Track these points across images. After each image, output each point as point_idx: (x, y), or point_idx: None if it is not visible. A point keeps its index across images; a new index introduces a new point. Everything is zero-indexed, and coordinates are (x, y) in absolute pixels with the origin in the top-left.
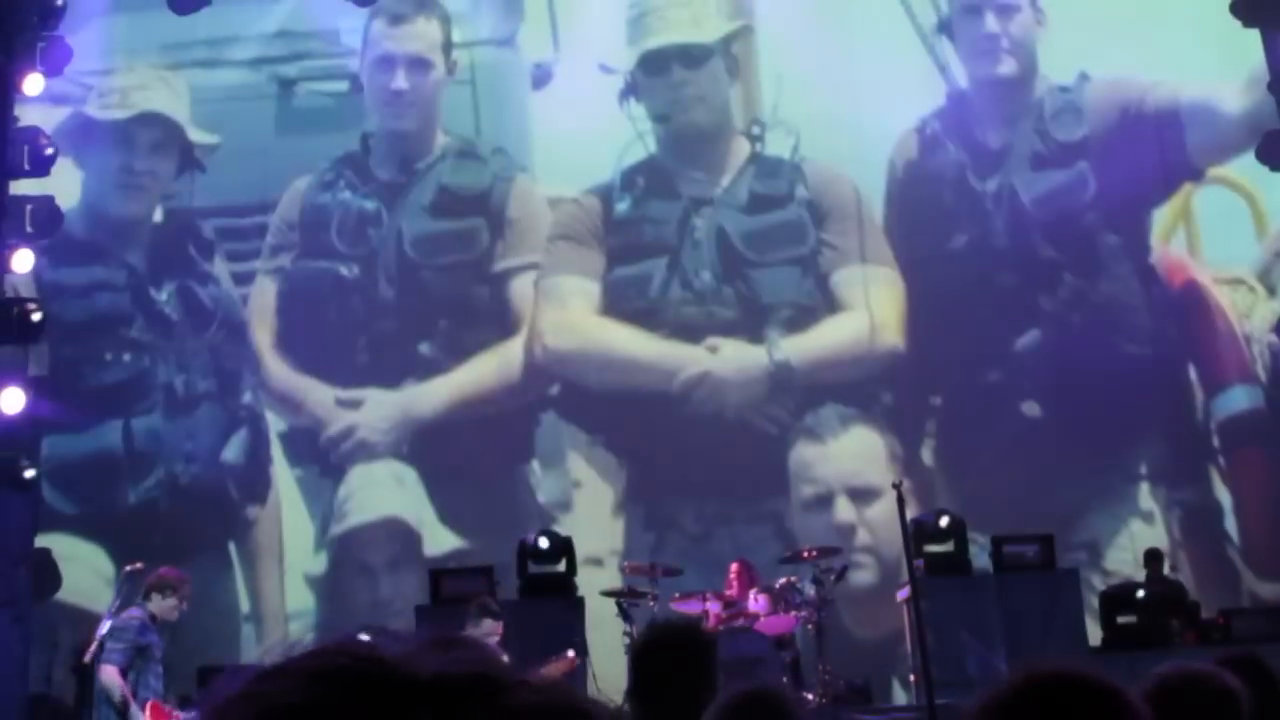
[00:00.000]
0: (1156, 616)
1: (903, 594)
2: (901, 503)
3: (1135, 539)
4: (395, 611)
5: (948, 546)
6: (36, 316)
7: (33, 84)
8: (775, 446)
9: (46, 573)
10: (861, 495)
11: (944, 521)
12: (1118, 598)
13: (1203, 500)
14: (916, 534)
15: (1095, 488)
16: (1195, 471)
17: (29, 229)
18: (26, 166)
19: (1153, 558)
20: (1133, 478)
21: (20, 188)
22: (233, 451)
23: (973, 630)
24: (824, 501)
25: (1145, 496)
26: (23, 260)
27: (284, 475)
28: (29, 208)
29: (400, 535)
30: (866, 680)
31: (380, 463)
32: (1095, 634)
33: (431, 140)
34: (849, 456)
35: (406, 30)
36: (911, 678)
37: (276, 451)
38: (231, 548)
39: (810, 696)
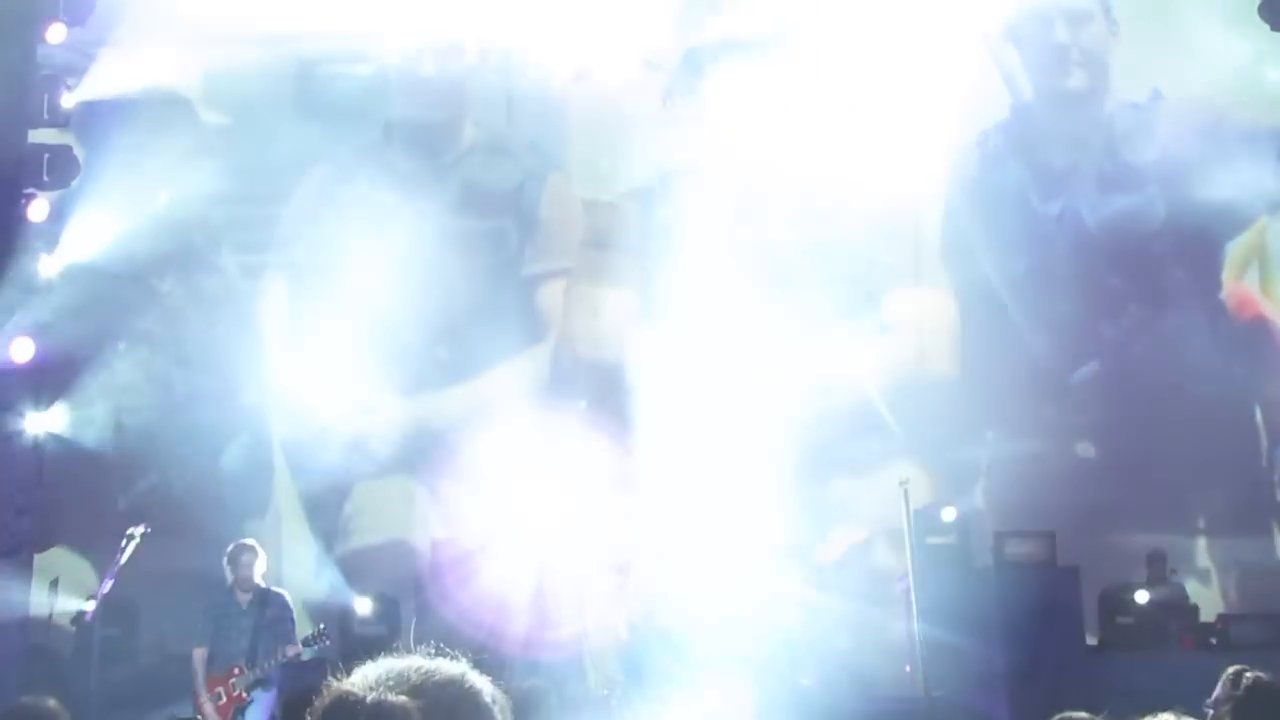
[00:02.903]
0: (1155, 619)
1: (901, 584)
2: (907, 498)
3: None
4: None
5: (949, 539)
6: (50, 267)
7: (56, 33)
8: (814, 479)
9: (49, 523)
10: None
11: (947, 515)
12: (1117, 598)
13: (1263, 560)
14: (919, 526)
15: (1150, 542)
16: (1256, 527)
17: (46, 178)
18: (46, 116)
19: (1155, 560)
20: (1190, 531)
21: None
22: (232, 458)
23: (971, 623)
24: (864, 541)
25: (1202, 553)
26: (39, 209)
27: (285, 487)
28: (46, 157)
29: (408, 559)
30: (861, 670)
31: (390, 478)
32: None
33: (460, 132)
34: (893, 494)
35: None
36: (907, 668)
37: (279, 460)
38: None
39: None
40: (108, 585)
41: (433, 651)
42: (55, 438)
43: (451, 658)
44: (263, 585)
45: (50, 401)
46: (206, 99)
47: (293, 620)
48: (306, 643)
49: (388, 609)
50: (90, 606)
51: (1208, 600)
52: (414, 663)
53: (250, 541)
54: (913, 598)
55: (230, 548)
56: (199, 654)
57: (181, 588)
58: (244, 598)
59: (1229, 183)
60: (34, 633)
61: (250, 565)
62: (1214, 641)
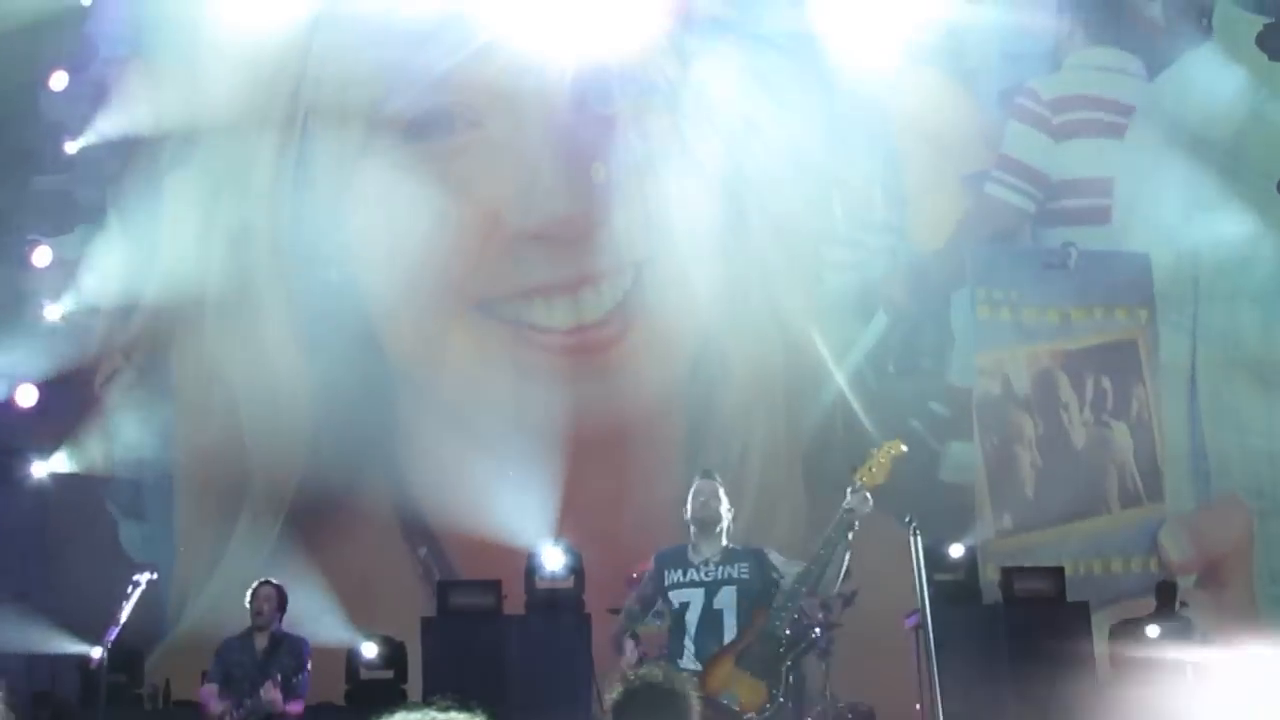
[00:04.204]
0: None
1: (910, 621)
2: (915, 535)
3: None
4: None
5: (958, 576)
6: (53, 313)
7: (58, 80)
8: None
9: (53, 568)
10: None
11: (955, 551)
12: (1126, 633)
13: None
14: (927, 562)
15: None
16: None
17: (49, 224)
18: (49, 162)
19: (1164, 590)
20: None
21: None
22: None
23: (980, 660)
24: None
25: None
26: (42, 255)
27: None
28: (50, 203)
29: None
30: (871, 707)
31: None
32: None
33: None
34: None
35: None
36: (918, 706)
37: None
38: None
39: None
40: (114, 632)
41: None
42: (59, 482)
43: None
44: (281, 630)
45: (54, 446)
46: (207, 140)
47: (305, 671)
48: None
49: (393, 652)
50: (96, 653)
51: None
52: (428, 713)
53: (272, 580)
54: (922, 635)
55: (252, 586)
56: (208, 689)
57: (188, 632)
58: (259, 641)
59: None
60: (39, 680)
61: (267, 601)
62: None
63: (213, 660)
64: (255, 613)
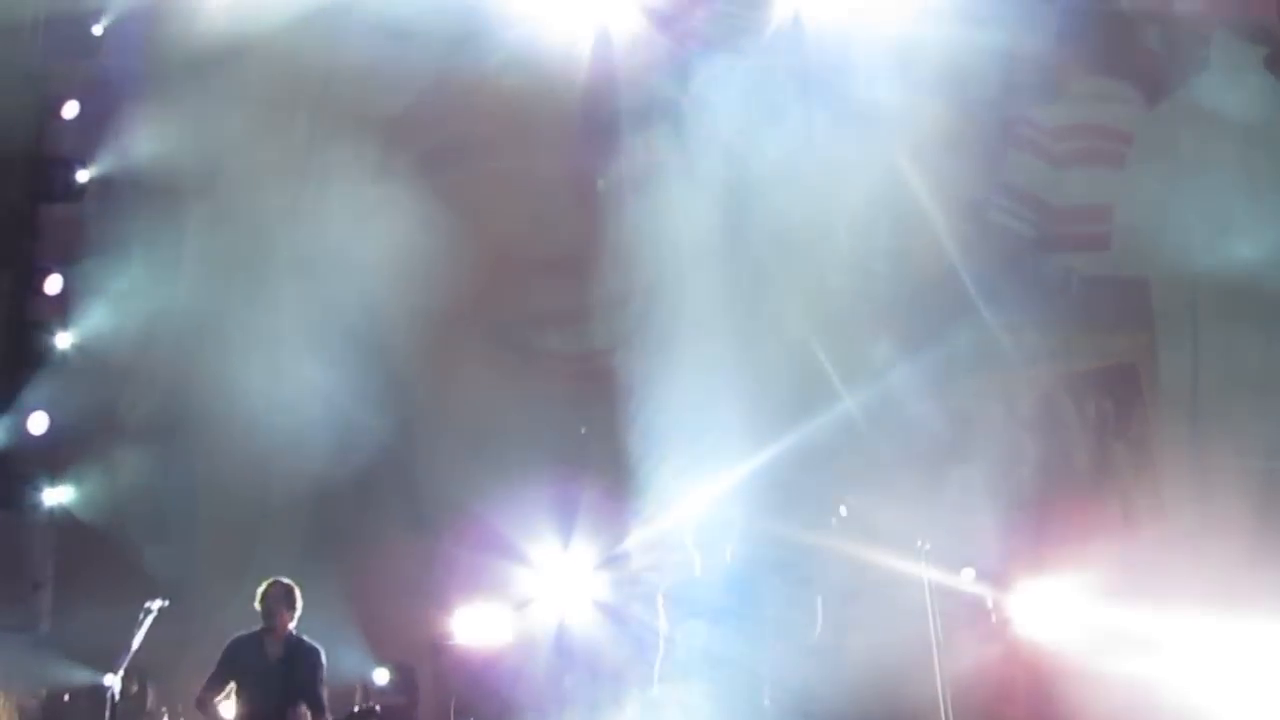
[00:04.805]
0: None
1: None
2: (927, 561)
3: None
4: None
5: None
6: (64, 341)
7: (70, 109)
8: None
9: (66, 596)
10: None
11: (965, 576)
12: None
13: None
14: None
15: None
16: None
17: (61, 253)
18: (60, 191)
19: None
20: None
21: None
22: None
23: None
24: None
25: None
26: (53, 284)
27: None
28: (61, 232)
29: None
30: None
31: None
32: None
33: None
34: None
35: None
36: None
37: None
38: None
39: None
40: (126, 659)
41: None
42: (70, 511)
43: None
44: (295, 635)
45: (64, 474)
46: (222, 165)
47: (323, 680)
48: None
49: (405, 678)
50: (109, 680)
51: None
52: None
53: (285, 579)
54: (936, 663)
55: (262, 585)
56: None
57: (197, 655)
58: (273, 648)
59: None
60: (52, 707)
61: (279, 602)
62: None
63: (220, 659)
64: (266, 613)
